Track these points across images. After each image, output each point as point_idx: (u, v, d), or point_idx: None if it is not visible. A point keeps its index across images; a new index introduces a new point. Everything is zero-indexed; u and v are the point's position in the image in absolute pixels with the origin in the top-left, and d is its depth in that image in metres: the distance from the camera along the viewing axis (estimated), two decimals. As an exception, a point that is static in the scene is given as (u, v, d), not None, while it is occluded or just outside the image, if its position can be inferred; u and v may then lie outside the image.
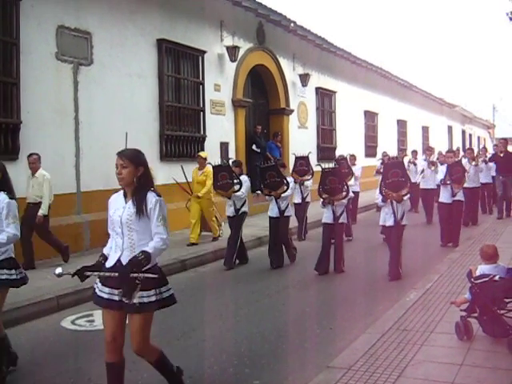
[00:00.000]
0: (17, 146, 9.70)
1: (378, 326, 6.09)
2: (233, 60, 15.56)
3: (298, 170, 12.74)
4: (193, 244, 11.41)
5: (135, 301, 4.12)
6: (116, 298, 4.24)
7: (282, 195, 9.89)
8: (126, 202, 4.34)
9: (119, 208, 4.34)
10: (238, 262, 10.25)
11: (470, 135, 48.14)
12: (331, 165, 10.80)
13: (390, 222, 8.82)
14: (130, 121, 12.07)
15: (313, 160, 14.14)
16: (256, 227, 13.18)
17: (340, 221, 9.40)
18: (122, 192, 4.44)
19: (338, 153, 20.72)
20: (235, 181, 9.93)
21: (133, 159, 4.28)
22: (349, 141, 22.85)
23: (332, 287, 8.65)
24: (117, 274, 4.18)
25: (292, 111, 19.07)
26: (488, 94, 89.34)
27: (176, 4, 13.61)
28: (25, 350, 5.93)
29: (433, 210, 15.04)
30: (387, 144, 26.45)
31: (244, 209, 10.23)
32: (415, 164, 16.77)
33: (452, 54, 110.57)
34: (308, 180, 12.74)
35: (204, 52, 14.49)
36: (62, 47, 10.53)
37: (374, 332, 5.87)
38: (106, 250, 4.48)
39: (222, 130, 15.41)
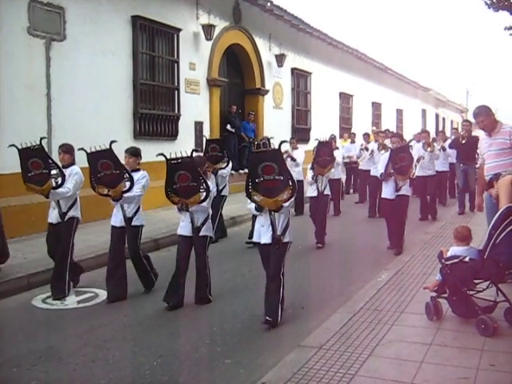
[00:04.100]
0: (-13, 122, 9.52)
1: (349, 306, 6.15)
2: (208, 39, 15.41)
3: (210, 156, 10.12)
4: None
5: None
6: None
7: (125, 196, 7.00)
8: None
9: None
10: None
11: (444, 119, 48.52)
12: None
13: (266, 239, 6.15)
14: (103, 98, 11.94)
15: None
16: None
17: (202, 233, 6.80)
18: None
19: (312, 134, 20.78)
20: (53, 172, 7.12)
21: None
22: (323, 122, 22.85)
23: (304, 267, 8.69)
24: None
25: (267, 91, 18.99)
26: (462, 79, 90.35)
27: (151, -20, 13.41)
28: (-6, 329, 5.89)
29: None
30: (361, 126, 26.53)
31: (73, 213, 7.35)
32: (367, 149, 15.40)
33: (427, 38, 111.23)
34: (223, 168, 10.46)
35: (179, 30, 14.32)
36: (33, 22, 10.31)
37: (346, 312, 5.93)
38: None
39: (196, 109, 15.29)
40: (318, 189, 9.94)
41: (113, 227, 7.25)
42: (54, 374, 4.91)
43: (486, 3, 16.81)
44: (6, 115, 9.81)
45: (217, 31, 15.74)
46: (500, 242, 5.13)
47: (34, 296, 7.21)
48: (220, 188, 10.47)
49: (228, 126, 16.97)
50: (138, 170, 7.29)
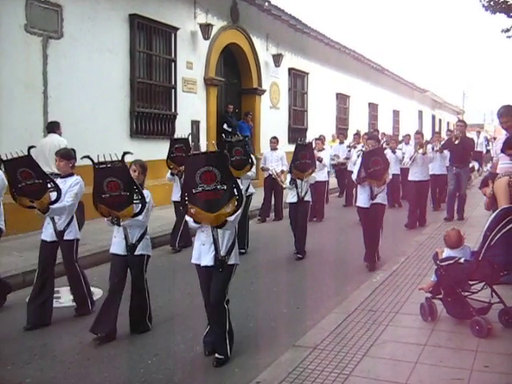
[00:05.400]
0: (-17, 119, 9.50)
1: (344, 306, 6.16)
2: (206, 38, 15.41)
3: (175, 157, 9.42)
4: None
5: None
6: None
7: (53, 207, 6.03)
8: None
9: None
10: None
11: (440, 120, 48.61)
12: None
13: (207, 260, 5.09)
14: (100, 97, 11.92)
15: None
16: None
17: (138, 252, 5.78)
18: None
19: (309, 135, 20.78)
20: None
21: None
22: (320, 123, 22.85)
23: (300, 268, 8.70)
24: None
25: (264, 91, 18.99)
26: (458, 80, 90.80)
27: (149, -21, 13.40)
28: (-11, 326, 5.88)
29: None
30: (358, 126, 26.52)
31: None
32: (355, 148, 14.29)
33: (424, 40, 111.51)
34: None
35: (177, 29, 14.32)
36: (31, 19, 10.28)
37: (341, 312, 5.94)
38: None
39: (193, 108, 15.29)
40: (298, 194, 9.27)
41: (43, 241, 6.34)
42: (48, 372, 4.90)
43: (483, 5, 16.85)
44: (3, 112, 9.79)
45: (214, 30, 15.74)
46: (495, 243, 5.14)
47: (28, 294, 7.17)
48: None
49: (225, 126, 16.96)
50: (71, 174, 6.37)
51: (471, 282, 5.42)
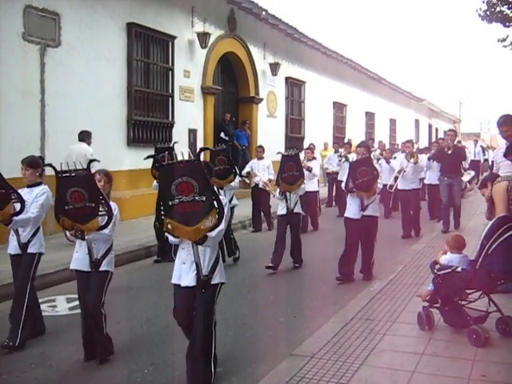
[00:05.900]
0: (-20, 127, 9.49)
1: (341, 315, 6.14)
2: (203, 47, 15.45)
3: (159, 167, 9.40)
4: None
5: None
6: None
7: (16, 219, 5.63)
8: None
9: None
10: None
11: (437, 129, 48.73)
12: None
13: (188, 280, 4.76)
14: (97, 105, 11.93)
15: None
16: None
17: (103, 268, 5.31)
18: None
19: (306, 143, 20.81)
20: None
21: None
22: (317, 131, 22.89)
23: (297, 277, 8.68)
24: None
25: (261, 100, 19.04)
26: (455, 89, 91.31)
27: (147, -12, 13.43)
28: (-15, 335, 5.84)
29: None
30: (355, 135, 26.58)
31: None
32: (347, 159, 12.89)
33: (421, 49, 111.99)
34: None
35: (174, 37, 14.36)
36: (29, 28, 10.30)
37: (338, 321, 5.92)
38: None
39: (190, 116, 15.30)
40: (287, 207, 9.02)
41: (10, 255, 6.04)
42: (44, 381, 4.88)
43: (480, 15, 16.95)
44: (0, 120, 9.78)
45: (212, 39, 15.78)
46: (492, 252, 5.13)
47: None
48: None
49: (222, 134, 17.00)
50: (38, 183, 5.98)
51: (468, 291, 5.41)
